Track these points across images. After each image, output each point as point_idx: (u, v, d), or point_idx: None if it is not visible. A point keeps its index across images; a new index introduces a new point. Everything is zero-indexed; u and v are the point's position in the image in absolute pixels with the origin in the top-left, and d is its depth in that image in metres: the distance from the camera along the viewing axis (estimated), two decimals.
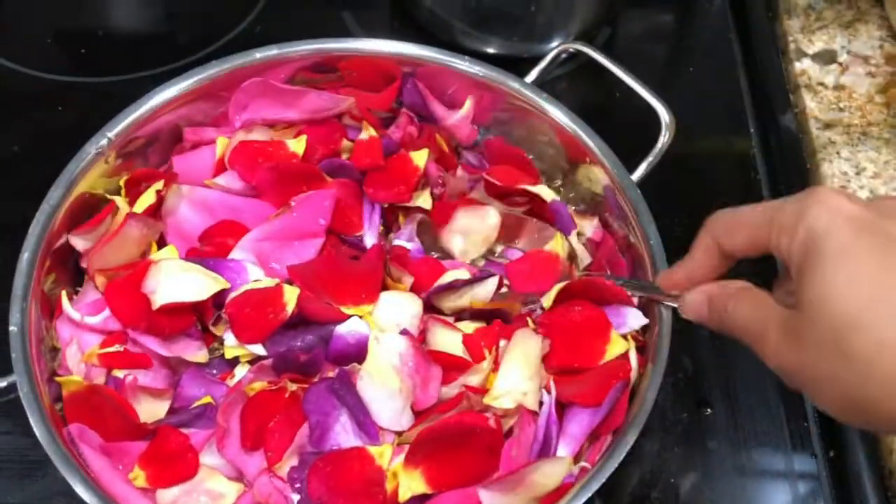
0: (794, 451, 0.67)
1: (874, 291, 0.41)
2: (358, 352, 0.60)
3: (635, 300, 0.62)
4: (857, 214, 0.43)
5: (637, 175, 0.67)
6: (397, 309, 0.62)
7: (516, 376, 0.59)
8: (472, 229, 0.68)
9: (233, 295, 0.61)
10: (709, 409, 0.69)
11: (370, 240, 0.67)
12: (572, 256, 0.67)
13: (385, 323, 0.62)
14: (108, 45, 0.88)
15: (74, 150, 0.64)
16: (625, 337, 0.61)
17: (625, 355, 0.60)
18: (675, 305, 0.56)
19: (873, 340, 0.40)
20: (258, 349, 0.60)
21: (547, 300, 0.63)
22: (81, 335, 0.60)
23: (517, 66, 0.72)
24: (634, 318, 0.61)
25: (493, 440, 0.57)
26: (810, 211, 0.44)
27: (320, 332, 0.61)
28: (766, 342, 0.46)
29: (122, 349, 0.59)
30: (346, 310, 0.61)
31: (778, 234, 0.46)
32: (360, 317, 0.61)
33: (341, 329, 0.60)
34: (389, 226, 0.69)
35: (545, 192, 0.69)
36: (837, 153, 0.79)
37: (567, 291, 0.63)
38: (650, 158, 0.68)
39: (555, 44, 0.86)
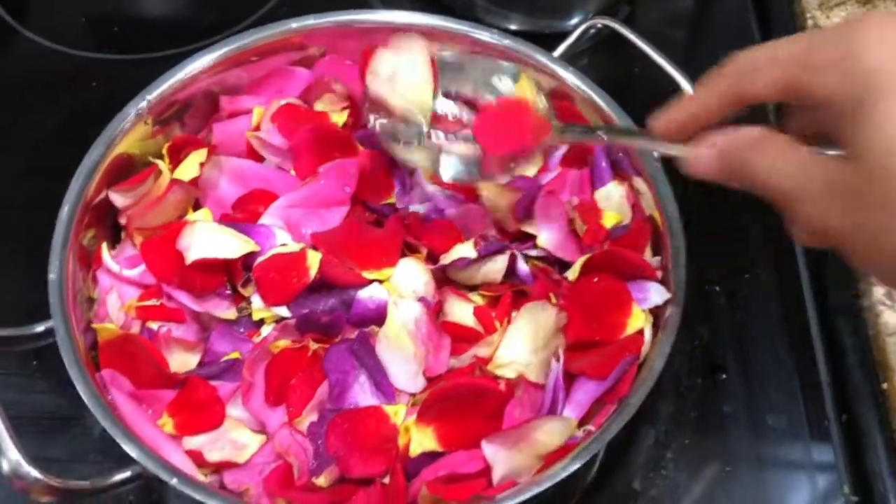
0: (807, 416, 0.68)
1: None
2: (378, 316, 0.62)
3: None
4: None
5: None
6: (414, 276, 0.64)
7: (520, 349, 0.61)
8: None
9: (259, 259, 0.63)
10: (724, 375, 0.70)
11: (401, 203, 0.68)
12: (545, 107, 0.56)
13: (403, 289, 0.63)
14: (139, 23, 0.91)
15: (107, 123, 0.65)
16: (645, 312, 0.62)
17: (640, 330, 0.61)
18: (677, 154, 0.48)
19: None
20: (283, 311, 0.62)
21: (572, 272, 0.63)
22: (120, 286, 0.63)
23: (538, 42, 0.73)
24: (657, 294, 0.62)
25: (503, 403, 0.58)
26: (861, 41, 0.37)
27: (342, 297, 0.62)
28: (806, 201, 0.39)
29: (158, 303, 0.62)
30: (367, 274, 0.63)
31: (816, 73, 0.39)
32: (381, 281, 0.63)
33: (363, 294, 0.62)
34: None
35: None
36: None
37: (591, 264, 0.63)
38: None
39: (575, 20, 0.88)
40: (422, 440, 0.57)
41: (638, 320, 0.61)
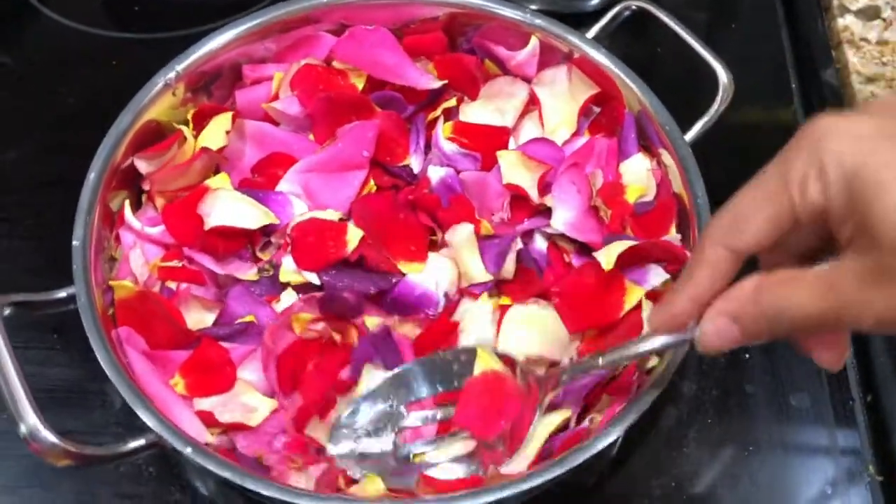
0: (831, 397, 0.68)
1: None
2: (418, 304, 0.62)
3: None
4: (864, 127, 0.39)
5: (690, 135, 0.66)
6: (442, 273, 0.63)
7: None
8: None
9: (298, 220, 0.63)
10: (747, 355, 0.69)
11: (417, 164, 0.68)
12: (512, 363, 0.58)
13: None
14: (159, 2, 0.90)
15: (128, 102, 0.66)
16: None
17: (638, 312, 0.60)
18: (688, 338, 0.46)
19: None
20: (312, 277, 0.61)
21: (606, 262, 0.61)
22: (143, 245, 0.63)
23: (562, 22, 0.71)
24: (656, 276, 0.61)
25: None
26: (824, 147, 0.39)
27: (376, 279, 0.62)
28: (853, 305, 0.38)
29: (180, 265, 0.62)
30: (401, 266, 0.63)
31: (803, 190, 0.40)
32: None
33: (413, 278, 0.62)
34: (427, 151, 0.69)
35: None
36: None
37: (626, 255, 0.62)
38: (705, 119, 0.67)
39: (596, 0, 0.87)
40: None
41: (634, 296, 0.60)
